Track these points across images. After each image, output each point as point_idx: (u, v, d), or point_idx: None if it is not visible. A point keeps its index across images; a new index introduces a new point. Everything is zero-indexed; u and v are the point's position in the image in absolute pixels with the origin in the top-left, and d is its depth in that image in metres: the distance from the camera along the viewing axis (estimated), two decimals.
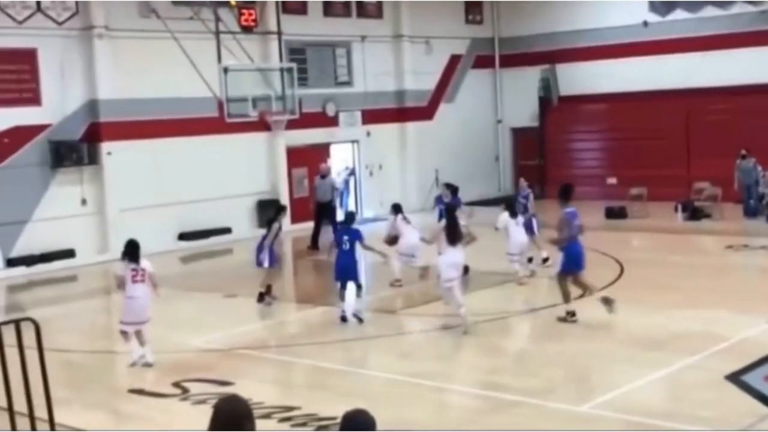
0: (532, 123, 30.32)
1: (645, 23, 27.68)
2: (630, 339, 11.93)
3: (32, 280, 19.45)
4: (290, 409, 9.63)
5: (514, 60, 30.59)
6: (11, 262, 19.80)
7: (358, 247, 14.03)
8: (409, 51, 28.06)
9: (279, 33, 23.08)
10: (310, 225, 22.38)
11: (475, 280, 16.18)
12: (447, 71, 29.60)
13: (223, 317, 14.96)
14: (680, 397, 9.59)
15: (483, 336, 13.11)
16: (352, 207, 26.98)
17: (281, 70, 22.37)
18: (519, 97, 30.46)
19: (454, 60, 29.80)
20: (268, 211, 22.34)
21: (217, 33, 20.34)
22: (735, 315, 12.92)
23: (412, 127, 28.31)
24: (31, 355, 8.11)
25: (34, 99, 20.30)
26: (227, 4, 21.04)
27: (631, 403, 9.43)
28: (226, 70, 20.03)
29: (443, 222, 13.52)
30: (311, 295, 17.33)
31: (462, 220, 14.43)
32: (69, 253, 20.33)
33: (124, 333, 11.86)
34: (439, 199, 17.84)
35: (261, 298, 15.34)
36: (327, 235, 19.88)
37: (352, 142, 27.22)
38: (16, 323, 8.11)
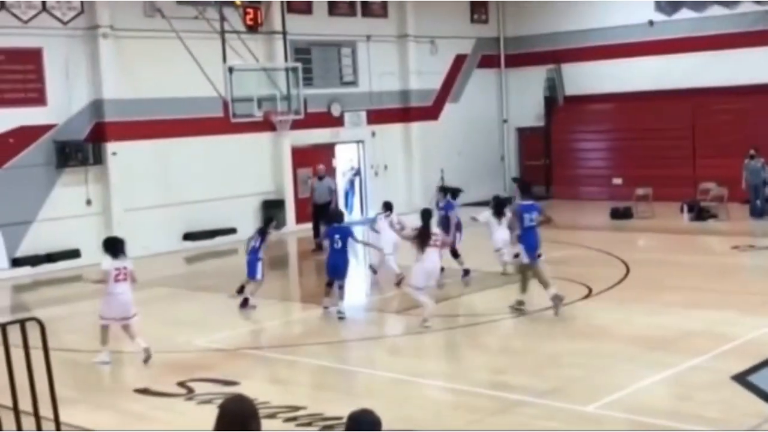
0: (537, 123, 30.30)
1: (651, 23, 27.63)
2: (636, 339, 11.89)
3: (37, 280, 19.47)
4: (295, 408, 9.61)
5: (519, 60, 30.57)
6: (16, 262, 19.82)
7: (351, 244, 14.27)
8: (414, 51, 28.06)
9: (284, 33, 23.06)
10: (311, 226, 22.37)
11: (479, 280, 16.16)
12: (452, 71, 29.59)
13: (228, 317, 14.95)
14: (686, 397, 9.56)
15: (487, 335, 13.10)
16: (357, 207, 27.05)
17: (286, 69, 22.36)
18: (524, 96, 30.45)
19: (460, 60, 29.78)
20: (272, 212, 22.40)
21: (222, 33, 20.34)
22: (741, 316, 12.87)
23: (417, 127, 28.29)
24: (37, 355, 8.11)
25: (40, 99, 20.32)
26: (232, 3, 21.06)
27: (638, 403, 9.40)
28: (231, 70, 20.02)
29: (418, 226, 13.66)
30: (315, 295, 17.25)
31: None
32: (74, 253, 20.33)
33: (104, 328, 11.98)
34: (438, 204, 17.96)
35: (245, 302, 15.19)
36: None
37: (357, 142, 27.21)
38: (22, 323, 8.11)
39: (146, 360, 11.80)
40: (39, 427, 8.18)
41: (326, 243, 14.59)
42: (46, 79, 20.39)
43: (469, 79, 30.14)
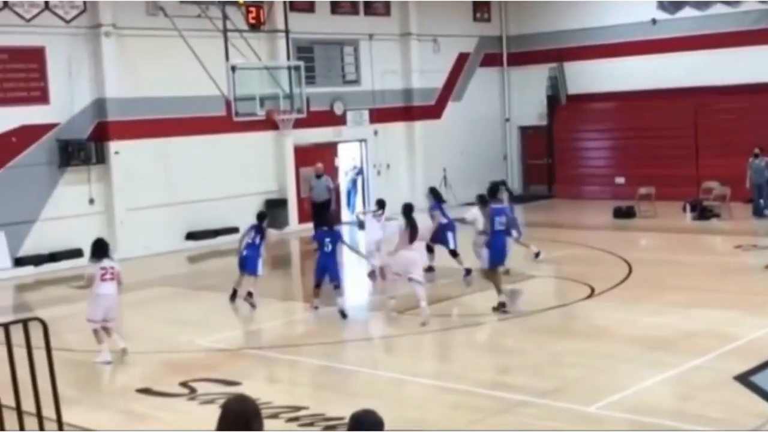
0: (540, 122, 30.28)
1: (653, 21, 27.60)
2: (638, 339, 11.88)
3: (40, 279, 19.47)
4: (298, 408, 9.62)
5: (522, 58, 30.55)
6: (19, 262, 19.84)
7: (340, 248, 14.78)
8: (416, 49, 28.04)
9: (287, 31, 23.04)
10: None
11: (480, 280, 16.14)
12: (455, 69, 29.57)
13: (230, 317, 14.97)
14: (689, 397, 9.55)
15: (488, 335, 13.10)
16: (359, 206, 26.99)
17: (289, 68, 22.35)
18: (527, 95, 30.42)
19: (462, 58, 29.76)
20: (275, 210, 22.41)
21: (225, 31, 20.33)
22: (744, 315, 12.86)
23: (419, 125, 28.28)
24: (39, 355, 8.11)
25: (42, 98, 20.33)
26: (235, 2, 21.05)
27: (640, 403, 9.40)
28: (233, 69, 20.02)
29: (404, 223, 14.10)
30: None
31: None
32: (77, 253, 20.29)
33: (95, 332, 12.06)
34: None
35: (249, 295, 15.16)
36: None
37: (360, 141, 27.21)
38: (24, 323, 8.11)
39: (122, 351, 12.06)
40: (42, 427, 8.19)
41: (314, 245, 14.96)
42: (49, 77, 20.39)
43: (471, 78, 30.12)
